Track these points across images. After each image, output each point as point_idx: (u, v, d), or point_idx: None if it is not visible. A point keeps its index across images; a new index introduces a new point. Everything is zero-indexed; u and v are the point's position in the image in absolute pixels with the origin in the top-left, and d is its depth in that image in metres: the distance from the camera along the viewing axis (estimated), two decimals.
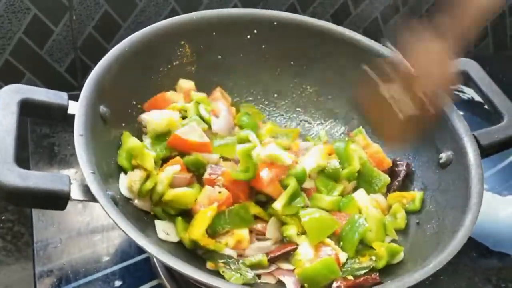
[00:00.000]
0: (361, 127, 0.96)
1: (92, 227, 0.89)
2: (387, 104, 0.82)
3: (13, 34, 1.06)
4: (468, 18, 0.78)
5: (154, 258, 0.85)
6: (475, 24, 0.78)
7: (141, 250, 0.87)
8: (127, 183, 0.79)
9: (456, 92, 1.23)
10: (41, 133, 1.01)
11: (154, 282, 0.84)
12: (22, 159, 0.95)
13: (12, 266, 0.88)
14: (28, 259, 0.86)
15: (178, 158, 0.82)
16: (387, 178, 0.89)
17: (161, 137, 0.84)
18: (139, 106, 0.89)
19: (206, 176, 0.81)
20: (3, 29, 1.05)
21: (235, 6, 1.19)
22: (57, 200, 0.67)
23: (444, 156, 0.86)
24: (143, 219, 0.79)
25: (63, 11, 1.07)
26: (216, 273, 0.76)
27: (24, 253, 0.88)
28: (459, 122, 0.85)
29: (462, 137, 0.84)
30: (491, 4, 0.78)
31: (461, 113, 0.89)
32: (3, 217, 0.92)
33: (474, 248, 0.99)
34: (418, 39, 0.80)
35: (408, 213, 0.87)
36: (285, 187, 0.81)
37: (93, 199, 0.67)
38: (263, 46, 0.97)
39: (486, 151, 0.85)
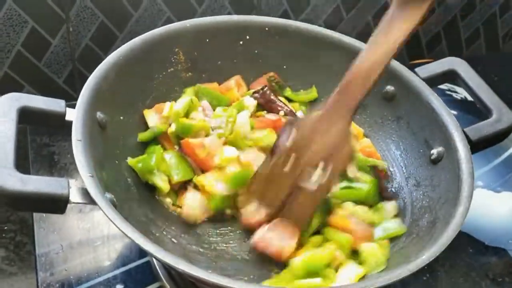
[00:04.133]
0: None
1: (93, 233, 0.91)
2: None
3: (12, 47, 1.08)
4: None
5: (155, 261, 0.87)
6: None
7: (142, 254, 0.89)
8: None
9: (449, 92, 1.25)
10: (41, 142, 1.02)
11: (155, 285, 0.86)
12: (23, 168, 0.97)
13: (15, 276, 0.88)
14: (31, 268, 0.87)
15: None
16: (384, 165, 0.92)
17: None
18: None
19: None
20: (2, 42, 1.06)
21: (229, 14, 1.21)
22: (56, 204, 0.68)
23: (435, 152, 0.87)
24: (142, 220, 0.81)
25: (60, 23, 1.09)
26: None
27: (27, 262, 0.89)
28: (449, 118, 0.87)
29: (452, 133, 0.85)
30: None
31: (454, 112, 0.90)
32: (5, 227, 0.93)
33: (471, 244, 1.00)
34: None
35: None
36: None
37: (92, 201, 0.68)
38: (256, 51, 0.99)
39: (476, 146, 0.86)
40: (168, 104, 0.91)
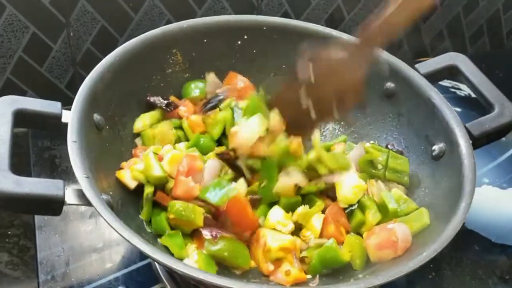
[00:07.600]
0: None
1: (95, 235, 0.91)
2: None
3: (13, 53, 1.08)
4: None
5: (155, 262, 0.87)
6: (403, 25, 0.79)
7: (143, 256, 0.88)
8: None
9: (453, 89, 1.24)
10: (43, 146, 1.03)
11: (156, 287, 0.85)
12: (25, 172, 0.98)
13: (19, 280, 0.89)
14: (34, 272, 0.87)
15: None
16: None
17: None
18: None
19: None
20: (3, 48, 1.07)
21: None
22: (52, 205, 0.68)
23: (437, 148, 0.86)
24: (138, 221, 0.81)
25: (60, 28, 1.09)
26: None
27: (31, 266, 0.89)
28: (450, 113, 0.86)
29: (453, 129, 0.84)
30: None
31: (458, 109, 0.90)
32: (9, 232, 0.93)
33: (477, 241, 0.99)
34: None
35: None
36: None
37: (88, 203, 0.68)
38: (254, 51, 0.98)
39: (478, 141, 0.85)
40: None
